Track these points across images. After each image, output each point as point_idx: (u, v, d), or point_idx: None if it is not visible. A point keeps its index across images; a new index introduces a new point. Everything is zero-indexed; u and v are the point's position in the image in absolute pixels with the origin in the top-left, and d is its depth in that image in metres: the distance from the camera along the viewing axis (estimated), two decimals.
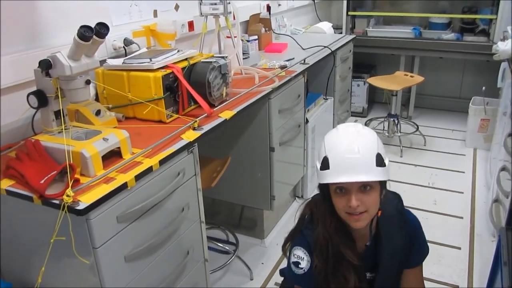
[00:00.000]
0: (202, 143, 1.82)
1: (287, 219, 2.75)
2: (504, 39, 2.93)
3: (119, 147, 1.37)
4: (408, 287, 1.47)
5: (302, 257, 1.37)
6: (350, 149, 1.22)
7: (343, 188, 1.24)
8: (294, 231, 1.45)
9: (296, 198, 2.96)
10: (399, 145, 3.66)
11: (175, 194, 1.53)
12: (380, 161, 1.23)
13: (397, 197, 1.44)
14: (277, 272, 2.27)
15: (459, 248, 2.49)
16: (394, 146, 3.72)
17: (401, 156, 3.59)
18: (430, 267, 2.30)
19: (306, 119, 2.71)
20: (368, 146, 1.24)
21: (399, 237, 1.39)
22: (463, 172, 3.33)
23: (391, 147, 3.75)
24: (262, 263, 2.42)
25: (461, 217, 2.77)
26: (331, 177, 1.23)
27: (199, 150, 1.64)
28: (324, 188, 1.31)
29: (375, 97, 4.71)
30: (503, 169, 2.26)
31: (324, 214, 1.35)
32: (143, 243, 1.40)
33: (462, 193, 3.05)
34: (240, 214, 2.63)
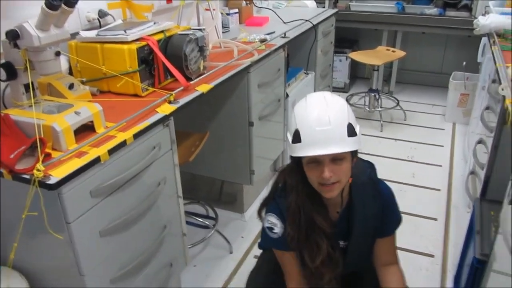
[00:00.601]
0: (180, 118, 1.80)
1: (266, 192, 2.76)
2: (485, 13, 2.94)
3: (92, 121, 1.35)
4: (381, 256, 1.49)
5: (275, 223, 1.39)
6: (320, 121, 1.20)
7: (316, 160, 1.24)
8: (267, 198, 1.46)
9: (276, 172, 2.96)
10: (379, 120, 3.68)
11: (151, 168, 1.51)
12: (351, 131, 1.22)
13: (370, 166, 1.45)
14: (257, 245, 2.29)
15: (436, 219, 2.54)
16: (375, 121, 3.74)
17: (381, 131, 3.62)
18: (406, 237, 2.35)
19: (287, 93, 2.69)
20: (339, 116, 1.22)
21: (371, 204, 1.40)
22: (442, 146, 3.38)
23: (372, 122, 3.77)
24: (242, 237, 2.44)
25: (439, 190, 2.82)
26: (303, 150, 1.22)
27: (177, 125, 1.62)
28: (296, 159, 1.30)
29: (357, 72, 4.71)
30: (480, 142, 2.29)
31: (296, 182, 1.35)
32: (118, 217, 1.39)
33: (440, 166, 3.10)
34: (220, 189, 2.63)
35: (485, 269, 1.58)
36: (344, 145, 1.21)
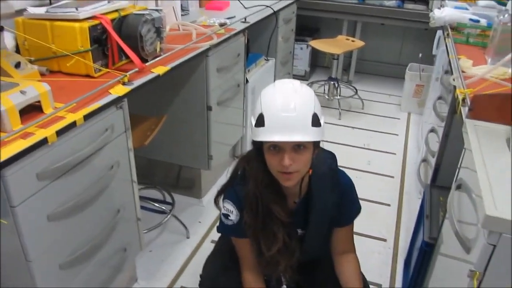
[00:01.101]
0: (136, 101, 1.75)
1: (225, 179, 2.75)
2: (441, 7, 3.01)
3: (39, 101, 1.29)
4: (338, 244, 1.51)
5: (231, 211, 1.39)
6: (286, 107, 1.19)
7: (277, 147, 1.23)
8: (226, 185, 1.45)
9: (235, 158, 2.96)
10: (338, 108, 3.73)
11: (103, 151, 1.47)
12: (316, 121, 1.21)
13: (331, 156, 1.45)
14: (214, 230, 2.29)
15: (389, 205, 2.61)
16: (334, 109, 3.79)
17: (339, 119, 3.67)
18: (361, 222, 2.34)
19: (246, 79, 2.68)
20: (305, 105, 1.21)
21: (330, 195, 1.41)
22: (397, 135, 3.47)
23: (331, 110, 3.82)
24: (199, 222, 2.43)
25: (392, 177, 2.90)
26: (266, 135, 1.21)
27: (133, 108, 1.58)
28: (258, 144, 1.29)
29: (318, 61, 4.75)
30: (432, 131, 2.37)
31: (256, 170, 1.34)
32: (67, 201, 1.35)
33: (395, 154, 3.19)
34: (178, 174, 2.61)
35: (433, 252, 1.65)
36: (307, 134, 1.20)
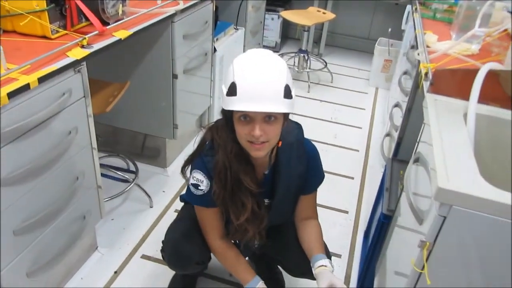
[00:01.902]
0: (99, 66, 1.70)
1: (192, 148, 2.73)
2: None
3: None
4: (302, 211, 1.54)
5: (201, 180, 1.39)
6: (259, 78, 1.18)
7: (248, 117, 1.22)
8: (193, 154, 1.44)
9: (202, 128, 2.92)
10: (307, 81, 3.73)
11: (60, 116, 1.42)
12: (287, 93, 1.21)
13: (298, 127, 1.46)
14: (178, 199, 2.28)
15: (352, 178, 2.66)
16: (303, 82, 3.79)
17: (308, 92, 3.67)
18: (324, 195, 2.43)
19: (214, 48, 2.63)
20: (278, 76, 1.20)
21: (296, 165, 1.43)
22: (364, 109, 3.51)
23: (300, 82, 3.81)
24: (164, 191, 2.41)
25: (357, 150, 2.94)
26: (237, 104, 1.19)
27: (95, 74, 1.53)
28: (228, 114, 1.28)
29: (289, 33, 4.71)
30: (396, 105, 2.40)
31: (225, 140, 1.33)
32: (22, 166, 1.31)
33: (361, 128, 3.23)
34: (143, 143, 2.56)
35: (390, 224, 1.69)
36: (279, 105, 1.20)
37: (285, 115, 1.29)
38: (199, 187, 1.40)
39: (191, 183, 1.42)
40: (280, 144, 1.37)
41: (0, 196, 1.26)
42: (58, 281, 1.75)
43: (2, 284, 1.37)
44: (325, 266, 1.38)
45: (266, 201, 1.49)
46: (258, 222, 1.44)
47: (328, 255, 1.49)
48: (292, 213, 1.57)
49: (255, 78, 1.19)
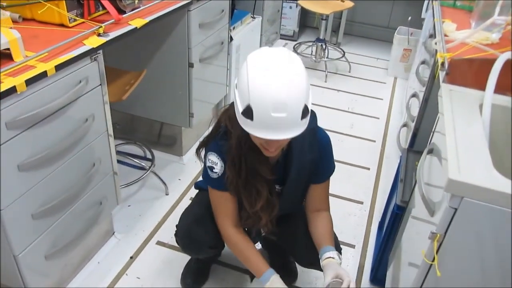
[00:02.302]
0: (116, 54, 1.72)
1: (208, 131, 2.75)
2: None
3: (9, 49, 1.25)
4: (313, 202, 1.55)
5: (216, 162, 1.39)
6: (277, 107, 1.12)
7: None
8: (208, 137, 1.45)
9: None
10: (324, 70, 3.70)
11: (77, 103, 1.45)
12: (305, 113, 1.18)
13: (312, 115, 1.42)
14: (193, 187, 2.30)
15: (368, 169, 2.64)
16: (320, 71, 3.76)
17: (325, 81, 3.64)
18: (340, 185, 2.44)
19: (231, 37, 2.63)
20: (297, 100, 1.14)
21: (308, 152, 1.43)
22: (382, 99, 3.47)
23: (317, 72, 3.78)
24: (179, 179, 2.44)
25: (374, 141, 2.92)
26: (254, 130, 1.18)
27: (113, 62, 1.55)
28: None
29: (307, 21, 4.66)
30: (414, 95, 2.37)
31: (240, 134, 1.32)
32: (40, 152, 1.34)
33: (378, 118, 3.20)
34: (159, 131, 2.59)
35: (404, 215, 1.68)
36: (297, 130, 1.19)
37: None
38: (213, 170, 1.41)
39: (207, 166, 1.42)
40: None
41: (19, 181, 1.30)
42: (76, 264, 1.80)
43: (21, 267, 1.42)
44: (333, 258, 1.38)
45: (277, 187, 1.50)
46: (271, 209, 1.45)
47: (338, 248, 1.50)
48: (301, 201, 1.57)
49: (273, 107, 1.12)
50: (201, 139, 1.47)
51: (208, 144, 1.45)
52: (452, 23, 1.82)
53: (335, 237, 1.57)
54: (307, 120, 1.21)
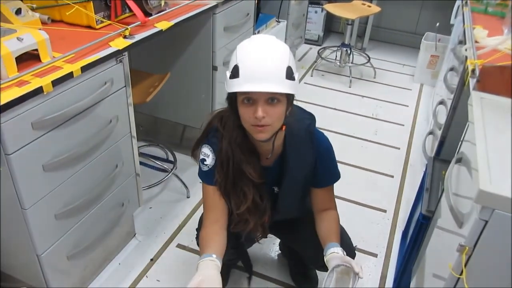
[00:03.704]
0: (141, 57, 1.72)
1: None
2: None
3: (37, 50, 1.27)
4: (318, 203, 1.52)
5: (208, 154, 1.39)
6: (261, 59, 1.19)
7: (251, 99, 1.22)
8: (201, 138, 1.44)
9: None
10: (349, 76, 3.66)
11: (101, 104, 1.46)
12: (290, 74, 1.21)
13: (311, 118, 1.45)
14: None
15: (392, 177, 2.59)
16: (344, 77, 3.72)
17: (350, 87, 3.60)
18: (363, 192, 2.40)
19: None
20: (280, 58, 1.20)
21: (305, 154, 1.41)
22: (407, 106, 3.41)
23: (341, 77, 3.75)
24: (200, 182, 2.42)
25: (398, 148, 2.86)
26: (240, 85, 1.20)
27: (137, 64, 1.56)
28: (233, 98, 1.28)
29: (332, 26, 4.63)
30: (441, 103, 2.31)
31: (230, 128, 1.34)
32: (64, 152, 1.35)
33: (403, 125, 3.14)
34: (182, 133, 2.60)
35: (429, 225, 1.64)
36: (281, 86, 1.20)
37: (289, 99, 1.27)
38: (204, 162, 1.40)
39: (200, 159, 1.42)
40: (284, 128, 1.34)
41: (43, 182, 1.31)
42: (97, 265, 1.81)
43: (44, 266, 1.43)
44: (337, 253, 1.35)
45: (276, 189, 1.49)
46: (260, 213, 1.43)
47: (351, 253, 1.47)
48: (301, 207, 1.55)
49: (258, 59, 1.19)
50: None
51: (200, 145, 1.44)
52: (483, 29, 1.77)
53: (350, 243, 1.55)
54: (292, 84, 1.22)
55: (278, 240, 2.02)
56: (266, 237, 1.58)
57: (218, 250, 1.35)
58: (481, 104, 1.27)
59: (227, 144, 1.34)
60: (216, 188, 1.41)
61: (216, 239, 1.39)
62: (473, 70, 1.44)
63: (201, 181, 1.46)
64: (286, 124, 1.31)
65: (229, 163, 1.35)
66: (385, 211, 2.33)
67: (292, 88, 1.23)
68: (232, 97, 1.28)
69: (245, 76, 1.19)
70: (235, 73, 1.21)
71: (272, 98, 1.21)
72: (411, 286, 1.74)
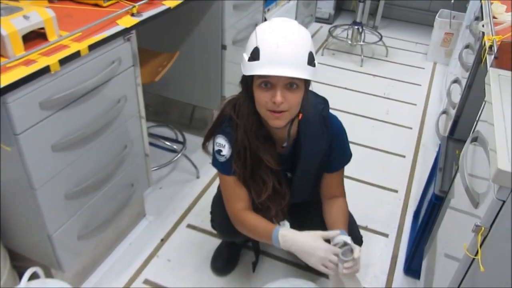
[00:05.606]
0: (149, 36, 1.69)
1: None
2: None
3: (43, 28, 1.25)
4: (327, 190, 1.50)
5: (223, 145, 1.36)
6: (283, 42, 1.15)
7: (269, 83, 1.18)
8: (213, 127, 1.41)
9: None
10: (360, 55, 3.60)
11: (109, 84, 1.44)
12: (311, 60, 1.18)
13: (323, 102, 1.42)
14: None
15: (404, 157, 2.56)
16: (355, 55, 3.66)
17: (361, 66, 3.55)
18: (373, 172, 2.37)
19: (265, 18, 2.58)
20: (302, 43, 1.18)
21: (319, 140, 1.39)
22: (420, 85, 3.35)
23: (353, 56, 3.69)
24: (210, 163, 2.42)
25: (411, 128, 2.82)
26: (260, 68, 1.16)
27: (146, 43, 1.53)
28: (249, 81, 1.24)
29: (343, 4, 4.54)
30: (455, 81, 2.26)
31: (246, 113, 1.30)
32: (73, 132, 1.34)
33: (415, 105, 3.09)
34: (191, 114, 2.58)
35: (442, 205, 1.61)
36: (302, 71, 1.16)
37: (306, 86, 1.25)
38: (221, 153, 1.37)
39: (215, 150, 1.39)
40: (300, 117, 1.32)
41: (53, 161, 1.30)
42: (108, 245, 1.82)
43: (55, 246, 1.44)
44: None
45: (289, 174, 1.47)
46: (280, 199, 1.42)
47: (358, 240, 1.46)
48: (314, 190, 1.53)
49: (279, 42, 1.15)
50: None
51: (214, 134, 1.41)
52: (501, 4, 1.71)
53: (356, 229, 1.54)
54: (313, 70, 1.20)
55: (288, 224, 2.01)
56: (284, 220, 1.57)
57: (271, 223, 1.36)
58: (499, 82, 1.23)
59: (243, 133, 1.31)
60: (236, 177, 1.39)
61: (260, 218, 1.38)
62: (491, 47, 1.39)
63: (218, 171, 1.43)
64: (301, 111, 1.28)
65: (246, 152, 1.33)
66: (396, 191, 2.31)
67: (312, 74, 1.20)
68: (248, 81, 1.24)
69: (266, 59, 1.15)
70: (254, 56, 1.17)
71: (291, 84, 1.18)
72: (422, 266, 1.73)
